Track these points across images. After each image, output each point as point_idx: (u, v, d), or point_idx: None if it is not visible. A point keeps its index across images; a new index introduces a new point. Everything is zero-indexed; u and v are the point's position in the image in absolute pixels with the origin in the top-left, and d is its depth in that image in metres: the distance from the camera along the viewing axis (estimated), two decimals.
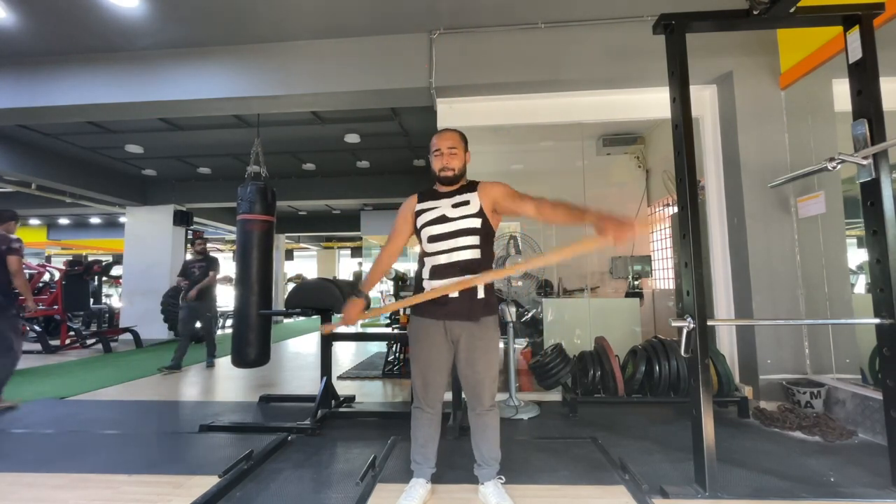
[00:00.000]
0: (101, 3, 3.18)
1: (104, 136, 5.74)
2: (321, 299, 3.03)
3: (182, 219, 8.14)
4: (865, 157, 1.94)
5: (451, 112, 3.70)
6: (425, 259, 1.80)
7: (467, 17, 3.40)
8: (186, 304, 5.08)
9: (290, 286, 6.79)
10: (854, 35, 2.01)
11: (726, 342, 3.42)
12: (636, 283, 5.22)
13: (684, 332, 1.94)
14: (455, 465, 2.17)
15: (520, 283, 3.27)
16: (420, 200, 1.85)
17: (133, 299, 7.92)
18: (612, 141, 5.15)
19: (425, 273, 1.79)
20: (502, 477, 1.89)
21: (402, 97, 3.78)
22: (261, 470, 2.20)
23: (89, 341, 6.87)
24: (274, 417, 3.15)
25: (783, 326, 3.13)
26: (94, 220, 11.88)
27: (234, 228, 6.19)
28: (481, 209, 1.77)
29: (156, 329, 7.55)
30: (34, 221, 12.31)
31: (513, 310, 3.22)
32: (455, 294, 1.73)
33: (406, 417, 1.94)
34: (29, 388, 4.16)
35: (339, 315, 1.89)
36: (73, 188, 6.91)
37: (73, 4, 3.20)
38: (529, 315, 4.34)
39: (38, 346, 6.51)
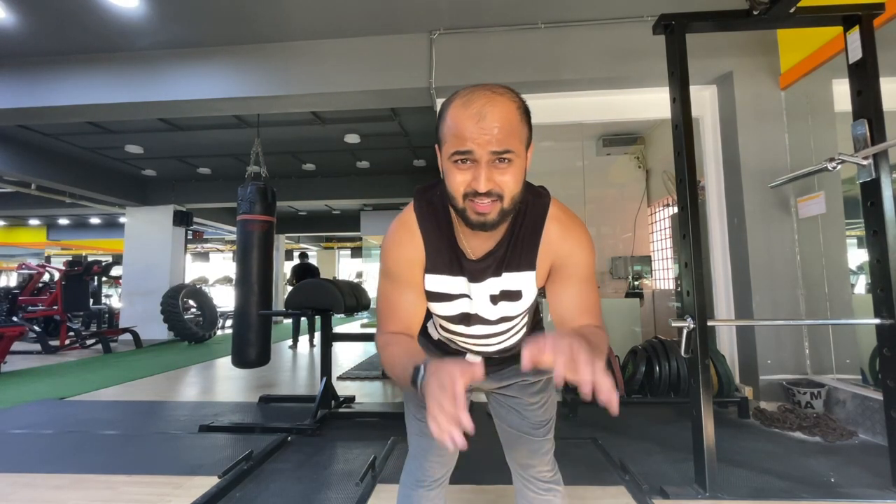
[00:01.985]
0: (101, 3, 3.18)
1: (104, 136, 5.74)
2: (321, 299, 3.03)
3: (182, 219, 8.14)
4: (865, 158, 1.94)
5: None
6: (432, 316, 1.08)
7: (467, 17, 3.40)
8: None
9: (293, 283, 6.77)
10: (854, 35, 2.01)
11: (726, 342, 3.42)
12: (636, 283, 5.22)
13: (684, 332, 1.94)
14: (456, 465, 2.17)
15: None
16: (429, 261, 0.93)
17: (133, 299, 7.93)
18: (612, 141, 5.15)
19: (433, 332, 1.14)
20: None
21: (402, 97, 3.78)
22: (261, 470, 2.20)
23: (89, 342, 6.87)
24: (274, 418, 3.15)
25: (783, 326, 3.12)
26: (94, 221, 11.88)
27: (233, 229, 6.19)
28: (537, 281, 0.94)
29: (155, 329, 7.55)
30: (34, 222, 12.31)
31: None
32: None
33: None
34: (29, 388, 4.16)
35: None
36: (73, 188, 6.91)
37: (73, 4, 3.20)
38: None
39: (37, 347, 6.51)
